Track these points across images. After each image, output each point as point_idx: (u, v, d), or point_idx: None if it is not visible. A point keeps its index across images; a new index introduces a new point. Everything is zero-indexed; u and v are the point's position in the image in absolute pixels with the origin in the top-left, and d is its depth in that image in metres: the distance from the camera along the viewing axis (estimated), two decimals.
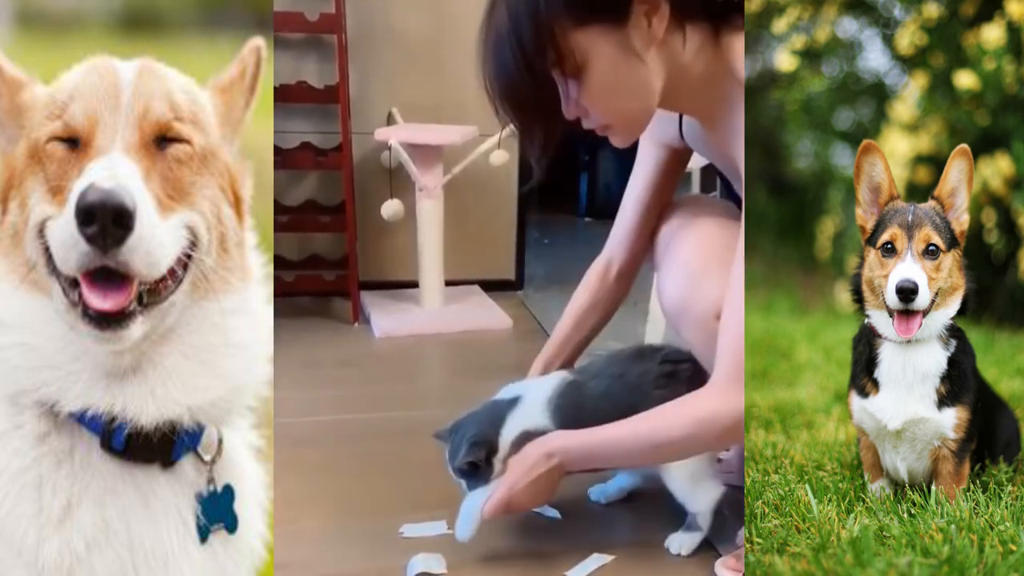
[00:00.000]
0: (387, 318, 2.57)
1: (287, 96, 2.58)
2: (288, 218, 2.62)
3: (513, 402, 1.32)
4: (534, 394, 1.33)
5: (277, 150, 2.61)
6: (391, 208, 2.54)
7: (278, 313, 2.86)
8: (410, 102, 2.77)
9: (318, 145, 2.71)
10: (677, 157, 1.42)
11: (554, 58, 1.07)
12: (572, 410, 1.29)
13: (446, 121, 2.72)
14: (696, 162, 4.04)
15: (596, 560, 1.32)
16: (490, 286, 2.95)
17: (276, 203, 2.72)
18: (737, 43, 1.15)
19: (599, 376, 1.34)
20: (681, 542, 1.34)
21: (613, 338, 2.48)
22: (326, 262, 2.75)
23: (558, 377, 1.37)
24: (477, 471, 1.28)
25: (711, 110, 1.20)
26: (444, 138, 2.47)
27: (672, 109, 1.28)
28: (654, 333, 2.60)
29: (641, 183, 1.45)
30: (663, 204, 1.41)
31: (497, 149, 2.61)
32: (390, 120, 2.75)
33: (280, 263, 2.70)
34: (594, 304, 1.51)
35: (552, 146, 1.19)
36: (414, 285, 2.71)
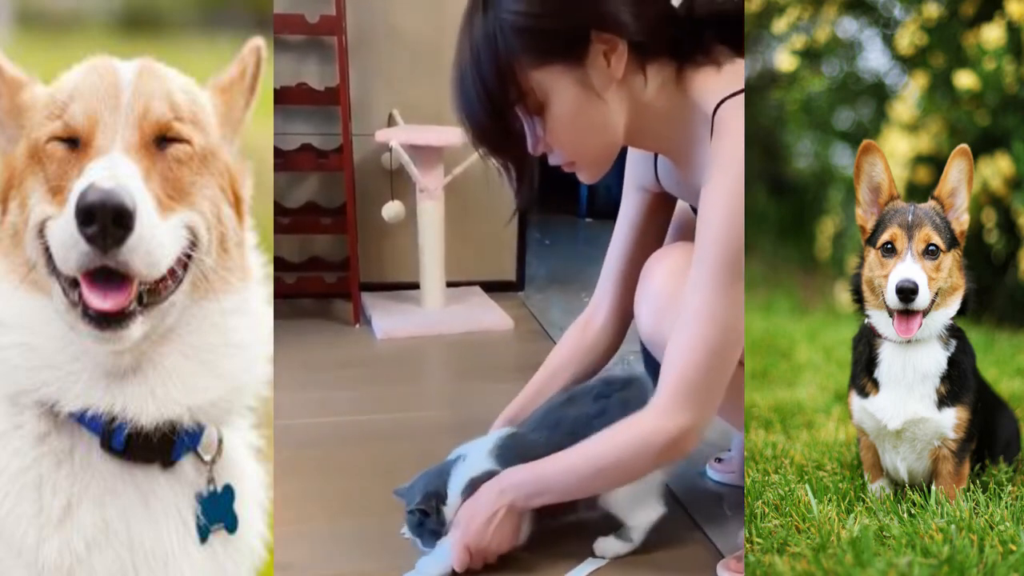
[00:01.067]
0: (388, 319, 2.57)
1: (288, 98, 2.57)
2: (289, 220, 2.62)
3: (458, 459, 1.33)
4: (476, 449, 1.34)
5: (278, 152, 2.61)
6: (392, 209, 2.54)
7: (279, 315, 2.85)
8: (411, 103, 2.77)
9: (319, 147, 2.71)
10: (659, 201, 1.39)
11: (516, 96, 1.09)
12: (516, 461, 1.29)
13: (447, 122, 2.71)
14: None
15: (591, 564, 1.31)
16: (491, 287, 2.94)
17: (277, 205, 2.71)
18: (701, 80, 1.14)
19: (539, 428, 1.34)
20: (608, 547, 1.33)
21: None
22: (327, 264, 2.75)
23: (499, 432, 1.37)
24: (427, 519, 1.28)
25: (679, 147, 1.20)
26: (445, 139, 2.47)
27: (639, 146, 1.28)
28: None
29: (622, 230, 1.43)
30: (649, 250, 1.34)
31: None
32: (391, 122, 2.75)
33: (281, 265, 2.70)
34: (570, 359, 1.46)
35: (527, 178, 1.20)
36: (415, 286, 2.71)
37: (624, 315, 1.42)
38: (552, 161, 1.18)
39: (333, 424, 1.88)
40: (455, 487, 1.29)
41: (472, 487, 1.28)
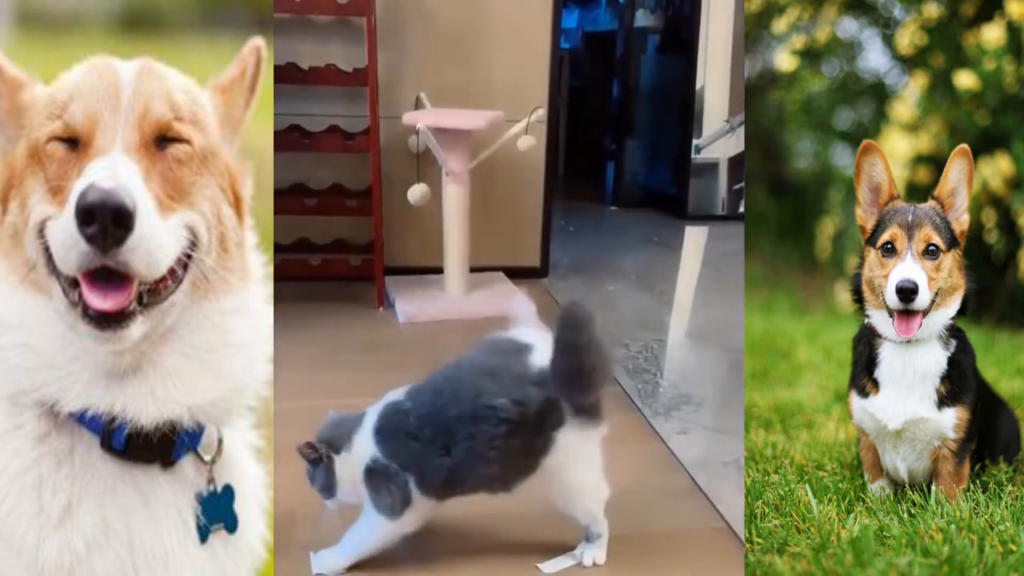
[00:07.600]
0: (411, 304, 2.57)
1: (316, 79, 2.57)
2: (315, 201, 2.62)
3: (365, 416, 1.28)
4: (371, 417, 1.28)
5: (305, 133, 2.61)
6: (417, 192, 2.53)
7: (303, 296, 2.82)
8: (438, 86, 2.76)
9: (346, 128, 2.71)
10: None
11: None
12: (394, 440, 1.24)
13: (474, 106, 2.72)
14: (723, 152, 4.05)
15: (568, 559, 1.31)
16: (515, 273, 2.94)
17: (302, 186, 2.72)
18: None
19: (420, 394, 1.28)
20: (589, 552, 1.30)
21: (640, 327, 2.50)
22: (352, 246, 2.76)
23: (386, 400, 1.31)
24: (317, 467, 1.24)
25: None
26: (472, 123, 2.45)
27: None
28: (678, 324, 2.61)
29: None
30: None
31: (524, 134, 2.60)
32: (418, 104, 2.74)
33: (306, 247, 2.71)
34: None
35: None
36: (439, 271, 2.71)
37: None
38: None
39: (354, 407, 1.86)
40: (358, 445, 1.23)
41: (368, 473, 1.22)
